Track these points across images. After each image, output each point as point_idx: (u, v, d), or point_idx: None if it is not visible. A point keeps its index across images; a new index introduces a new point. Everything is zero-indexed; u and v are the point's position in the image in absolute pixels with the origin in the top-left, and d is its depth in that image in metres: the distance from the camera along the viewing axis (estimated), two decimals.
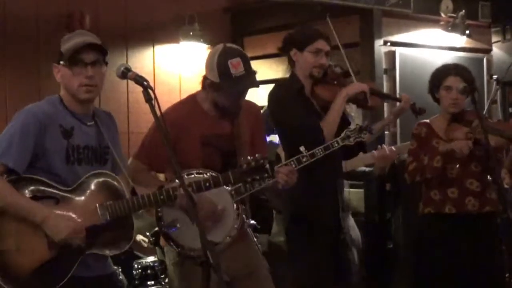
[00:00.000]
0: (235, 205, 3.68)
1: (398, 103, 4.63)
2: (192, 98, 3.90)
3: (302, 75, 4.29)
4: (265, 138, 4.23)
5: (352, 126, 4.04)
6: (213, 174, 3.59)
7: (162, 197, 3.30)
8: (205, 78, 3.78)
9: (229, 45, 3.78)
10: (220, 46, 3.76)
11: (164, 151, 3.36)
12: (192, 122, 3.74)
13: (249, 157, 3.45)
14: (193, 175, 3.62)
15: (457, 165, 4.36)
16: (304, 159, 3.78)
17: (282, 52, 4.41)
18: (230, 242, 3.66)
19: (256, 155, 3.41)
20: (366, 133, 3.95)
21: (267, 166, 3.37)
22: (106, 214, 3.16)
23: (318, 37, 4.27)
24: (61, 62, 3.20)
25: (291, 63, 4.34)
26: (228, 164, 3.71)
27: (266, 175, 3.41)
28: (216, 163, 3.73)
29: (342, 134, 3.93)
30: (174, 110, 3.81)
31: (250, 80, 3.72)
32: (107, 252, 3.23)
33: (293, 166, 3.75)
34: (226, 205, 3.65)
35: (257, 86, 3.76)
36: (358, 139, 3.94)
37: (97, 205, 3.16)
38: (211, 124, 3.77)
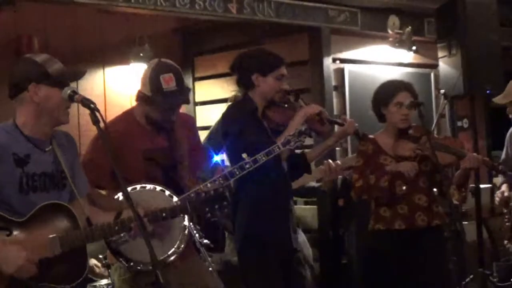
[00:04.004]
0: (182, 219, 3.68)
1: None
2: (128, 113, 3.93)
3: (261, 98, 4.29)
4: (203, 147, 4.27)
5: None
6: (158, 186, 3.62)
7: (116, 228, 3.27)
8: (139, 92, 3.82)
9: (164, 60, 3.82)
10: (154, 61, 3.81)
11: (104, 168, 3.37)
12: (132, 137, 3.77)
13: (208, 185, 3.51)
14: (137, 189, 3.63)
15: (404, 187, 4.39)
16: (247, 166, 3.80)
17: (240, 76, 4.37)
18: (179, 255, 3.66)
19: (216, 182, 3.50)
20: (305, 136, 4.00)
21: (227, 194, 3.44)
22: (59, 246, 3.09)
23: (281, 63, 4.30)
24: (45, 82, 3.13)
25: (249, 86, 4.32)
26: (169, 177, 3.74)
27: (225, 203, 3.48)
28: (157, 177, 3.75)
29: (283, 139, 3.97)
30: (112, 126, 3.78)
31: (181, 96, 3.77)
32: (59, 285, 3.14)
33: (237, 172, 3.79)
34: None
35: (188, 103, 3.84)
36: (298, 143, 3.98)
37: (49, 236, 3.10)
38: (149, 138, 3.80)
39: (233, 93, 4.56)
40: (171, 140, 3.84)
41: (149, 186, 3.67)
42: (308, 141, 5.27)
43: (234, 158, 4.05)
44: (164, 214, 3.44)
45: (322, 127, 4.33)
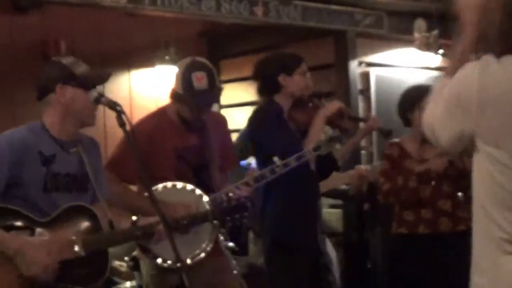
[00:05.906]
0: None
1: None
2: (162, 110, 3.94)
3: (288, 98, 4.27)
4: (233, 148, 4.27)
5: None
6: (189, 185, 3.63)
7: (138, 233, 3.29)
8: (172, 90, 3.82)
9: (198, 58, 3.81)
10: (188, 59, 3.80)
11: (134, 166, 3.41)
12: (164, 134, 3.77)
13: (230, 194, 3.53)
14: (167, 187, 3.65)
15: (433, 183, 4.36)
16: (278, 169, 3.81)
17: (265, 81, 4.34)
18: (206, 254, 3.67)
19: (237, 192, 3.55)
20: (336, 142, 3.99)
21: (249, 204, 3.45)
22: (81, 248, 3.10)
23: (301, 59, 4.30)
24: (71, 83, 3.16)
25: (276, 90, 4.29)
26: (200, 177, 3.74)
27: (246, 213, 3.50)
28: (188, 175, 3.76)
29: (313, 144, 3.96)
30: (145, 122, 3.83)
31: (211, 95, 3.76)
32: (79, 287, 3.13)
33: (268, 175, 3.80)
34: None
35: (217, 102, 3.81)
36: (329, 149, 3.98)
37: (72, 238, 3.10)
38: (180, 136, 3.80)
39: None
40: (202, 139, 3.83)
41: (179, 185, 3.68)
42: None
43: (263, 162, 4.05)
44: (185, 222, 3.48)
45: (345, 123, 4.31)
